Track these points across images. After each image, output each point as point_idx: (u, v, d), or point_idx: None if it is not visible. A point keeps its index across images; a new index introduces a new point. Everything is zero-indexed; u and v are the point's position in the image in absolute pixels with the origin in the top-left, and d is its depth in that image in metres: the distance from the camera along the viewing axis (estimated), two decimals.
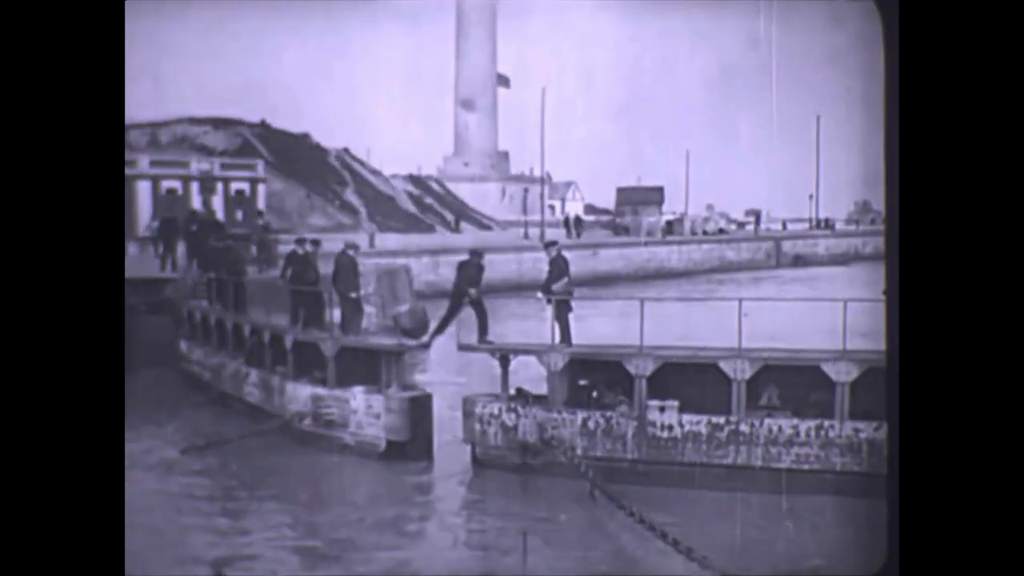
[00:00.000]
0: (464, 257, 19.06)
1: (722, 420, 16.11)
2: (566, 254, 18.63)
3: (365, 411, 18.47)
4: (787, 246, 73.35)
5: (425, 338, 19.55)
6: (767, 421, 16.00)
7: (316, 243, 22.40)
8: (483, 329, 18.22)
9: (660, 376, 16.58)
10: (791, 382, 16.57)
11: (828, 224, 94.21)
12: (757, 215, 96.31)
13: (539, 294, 18.24)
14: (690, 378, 16.73)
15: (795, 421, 15.95)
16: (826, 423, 15.79)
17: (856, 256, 75.49)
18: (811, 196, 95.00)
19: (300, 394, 19.77)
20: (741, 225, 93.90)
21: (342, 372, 19.33)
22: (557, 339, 17.47)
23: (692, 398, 16.55)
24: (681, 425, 16.24)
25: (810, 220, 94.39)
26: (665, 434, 16.29)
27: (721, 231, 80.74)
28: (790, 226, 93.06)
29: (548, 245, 19.45)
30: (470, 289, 18.43)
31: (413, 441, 18.14)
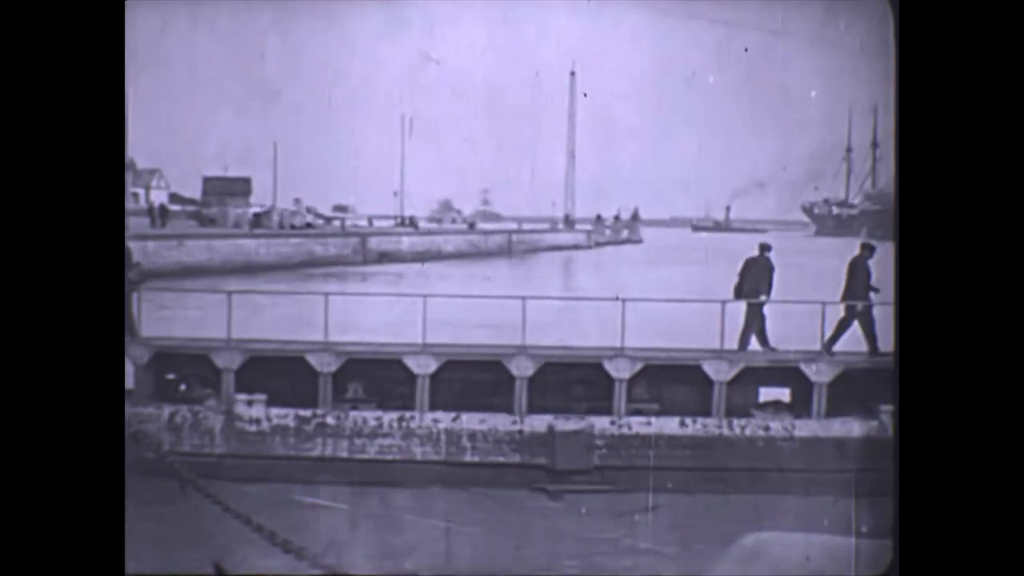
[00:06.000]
0: None
1: (309, 413, 16.50)
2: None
3: None
4: (373, 242, 74.71)
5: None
6: (352, 413, 16.56)
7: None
8: None
9: (248, 370, 16.72)
10: (376, 375, 17.25)
11: (412, 222, 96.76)
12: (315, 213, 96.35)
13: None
14: (279, 372, 16.99)
15: (379, 413, 16.62)
16: (408, 414, 16.57)
17: (439, 254, 78.11)
18: (395, 193, 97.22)
19: None
20: (329, 220, 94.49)
21: None
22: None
23: (282, 392, 16.82)
24: (269, 419, 16.47)
25: (395, 217, 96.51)
26: (253, 428, 16.46)
27: (309, 226, 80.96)
28: (376, 223, 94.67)
29: None
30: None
31: None
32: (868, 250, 18.14)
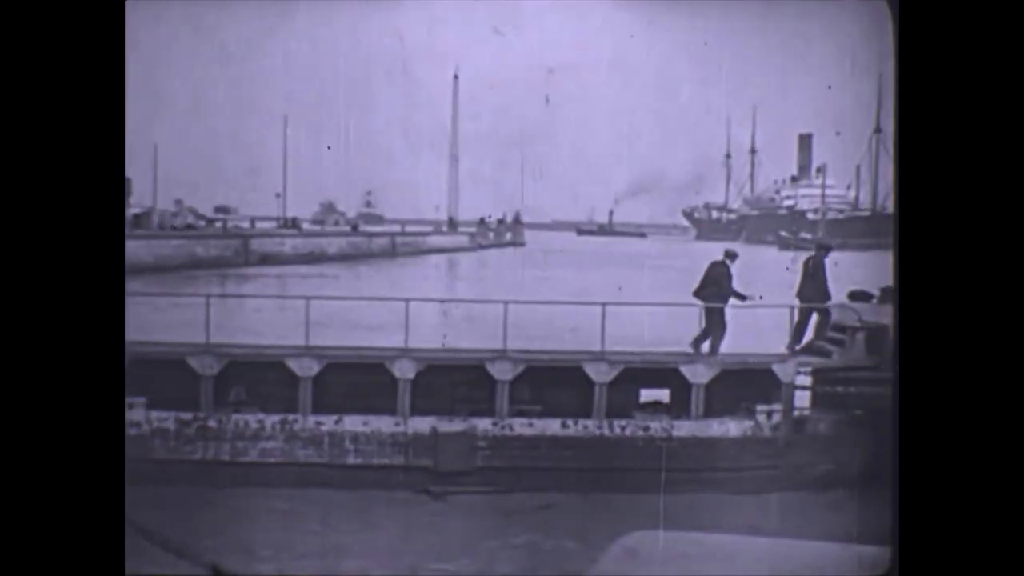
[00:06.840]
0: None
1: (190, 416, 16.35)
2: None
3: None
4: (255, 244, 73.89)
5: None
6: (234, 416, 16.47)
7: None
8: None
9: (129, 372, 16.49)
10: (258, 378, 17.17)
11: (295, 224, 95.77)
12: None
13: None
14: (158, 375, 16.79)
15: (261, 416, 16.55)
16: (290, 417, 16.53)
17: (323, 256, 77.59)
18: (278, 195, 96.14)
19: None
20: (211, 222, 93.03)
21: None
22: None
23: (162, 395, 16.61)
24: (149, 422, 16.28)
25: (277, 219, 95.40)
26: (133, 431, 16.24)
27: (189, 227, 79.65)
28: (259, 225, 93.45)
29: None
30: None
31: None
32: (824, 250, 18.55)
